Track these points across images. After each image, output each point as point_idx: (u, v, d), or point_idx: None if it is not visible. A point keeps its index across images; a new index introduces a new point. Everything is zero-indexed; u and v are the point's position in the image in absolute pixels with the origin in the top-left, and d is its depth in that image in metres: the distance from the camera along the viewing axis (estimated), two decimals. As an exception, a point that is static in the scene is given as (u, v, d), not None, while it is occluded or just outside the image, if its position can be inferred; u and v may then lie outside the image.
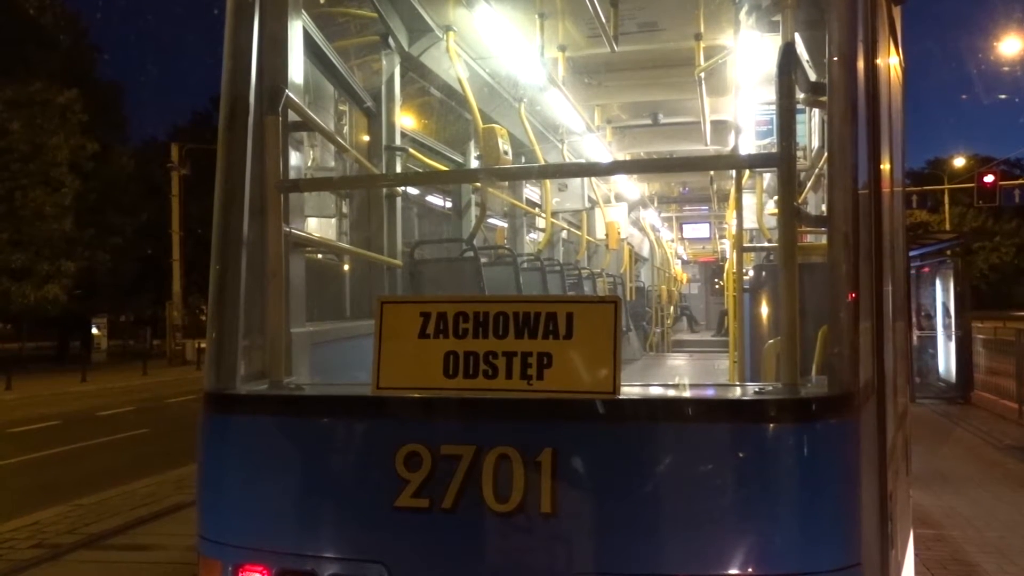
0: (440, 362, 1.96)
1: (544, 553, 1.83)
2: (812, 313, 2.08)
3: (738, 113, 5.16)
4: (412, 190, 4.86)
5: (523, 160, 5.45)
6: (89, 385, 21.76)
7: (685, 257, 13.04)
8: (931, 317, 13.63)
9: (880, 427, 2.07)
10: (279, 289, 2.30)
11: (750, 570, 1.76)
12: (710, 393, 2.65)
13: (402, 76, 3.95)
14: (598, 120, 6.34)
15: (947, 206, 56.27)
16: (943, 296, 13.32)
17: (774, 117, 2.79)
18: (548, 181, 5.88)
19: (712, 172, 8.10)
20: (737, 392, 2.58)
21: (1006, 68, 28.27)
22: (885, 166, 2.45)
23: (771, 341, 3.07)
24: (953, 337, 12.87)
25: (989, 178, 26.08)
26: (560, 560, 1.83)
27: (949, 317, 13.03)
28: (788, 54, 2.00)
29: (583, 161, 6.41)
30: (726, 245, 9.56)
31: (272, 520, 2.07)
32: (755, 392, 2.09)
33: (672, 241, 10.79)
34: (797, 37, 2.87)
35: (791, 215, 1.96)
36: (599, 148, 6.55)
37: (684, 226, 11.00)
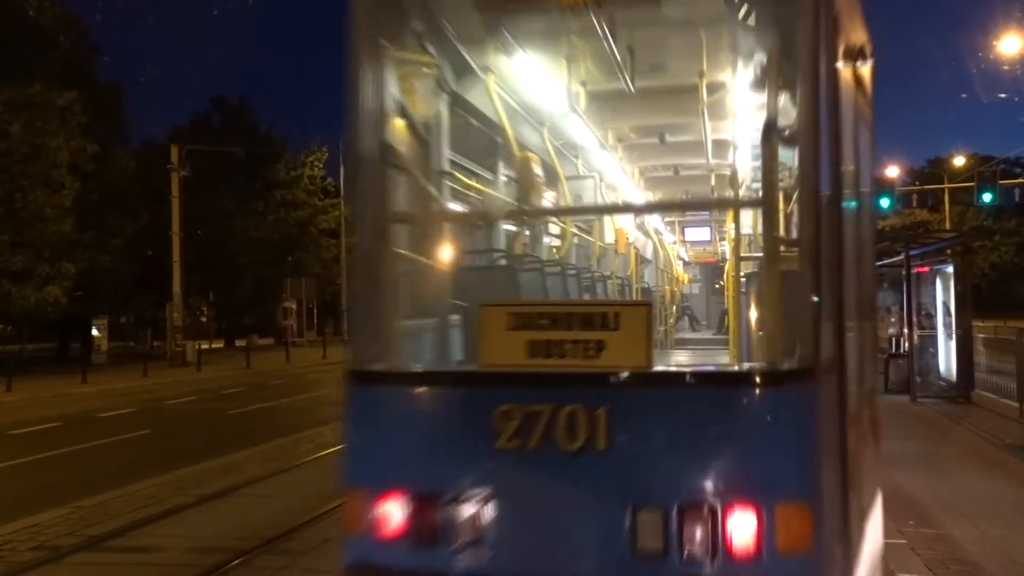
0: (525, 347, 2.66)
1: (601, 479, 2.48)
2: (794, 310, 2.60)
3: (736, 135, 5.73)
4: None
5: (544, 175, 5.51)
6: (90, 387, 21.75)
7: (686, 258, 13.43)
8: (932, 316, 13.63)
9: (841, 396, 2.63)
10: (388, 293, 3.03)
11: (735, 494, 2.39)
12: (714, 368, 3.61)
13: (449, 110, 4.33)
14: (611, 139, 6.70)
15: (947, 205, 56.24)
16: (944, 295, 13.31)
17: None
18: (568, 192, 6.18)
19: (713, 183, 8.42)
20: (734, 367, 3.42)
21: (1006, 67, 28.24)
22: (850, 203, 3.03)
23: (761, 333, 3.56)
24: (954, 336, 12.86)
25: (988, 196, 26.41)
26: (612, 483, 2.47)
27: (950, 316, 13.02)
28: (770, 126, 2.72)
29: (596, 176, 6.99)
30: (726, 247, 10.13)
31: (404, 461, 2.72)
32: (746, 367, 2.87)
33: (674, 243, 11.21)
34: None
35: (773, 243, 2.73)
36: (611, 162, 6.90)
37: (686, 229, 11.49)
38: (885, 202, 31.21)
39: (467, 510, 2.58)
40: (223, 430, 13.74)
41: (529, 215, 5.36)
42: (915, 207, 41.48)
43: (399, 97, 3.32)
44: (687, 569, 2.41)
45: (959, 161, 54.18)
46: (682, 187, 8.93)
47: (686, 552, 2.40)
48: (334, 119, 41.78)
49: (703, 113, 5.49)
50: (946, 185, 45.40)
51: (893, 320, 17.15)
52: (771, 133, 2.75)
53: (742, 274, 5.06)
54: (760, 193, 2.86)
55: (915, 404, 12.54)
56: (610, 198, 7.56)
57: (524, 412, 2.53)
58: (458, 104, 4.44)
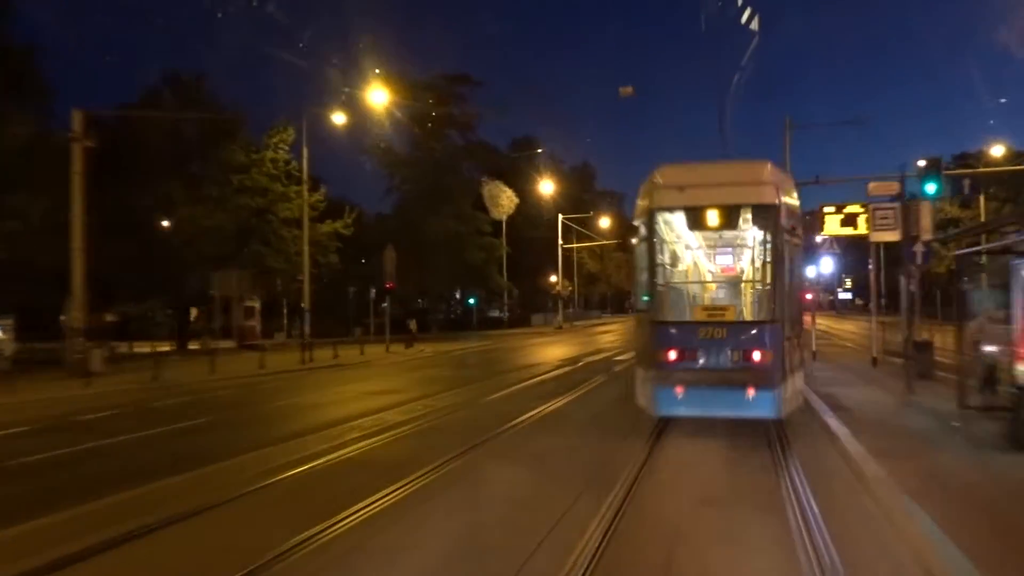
0: (706, 314, 11.41)
1: (725, 344, 10.69)
2: (770, 304, 10.95)
3: (752, 243, 13.05)
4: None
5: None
6: (-72, 406, 16.88)
7: (714, 269, 17.81)
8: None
9: (783, 328, 10.75)
10: (662, 300, 11.57)
11: (754, 347, 10.58)
12: (751, 319, 11.77)
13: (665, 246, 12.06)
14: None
15: (983, 200, 51.10)
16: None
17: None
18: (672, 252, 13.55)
19: (744, 245, 13.56)
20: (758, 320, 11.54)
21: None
22: (791, 275, 11.21)
23: (762, 311, 11.47)
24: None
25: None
26: (727, 345, 10.68)
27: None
28: (765, 257, 11.13)
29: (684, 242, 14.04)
30: (743, 266, 14.19)
31: (674, 340, 10.90)
32: (759, 318, 11.43)
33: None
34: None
35: (763, 287, 11.34)
36: (693, 240, 13.86)
37: (717, 257, 15.24)
38: (932, 187, 26.30)
39: (692, 352, 10.72)
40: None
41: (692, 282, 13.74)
42: (965, 192, 36.34)
43: (654, 236, 11.34)
44: (743, 363, 10.53)
45: (997, 151, 49.05)
46: (725, 242, 13.89)
47: (743, 359, 10.53)
48: (299, 101, 36.74)
49: (742, 239, 13.29)
50: (1003, 168, 40.02)
51: (989, 332, 12.03)
52: (764, 260, 11.19)
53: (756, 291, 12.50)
54: (762, 273, 11.39)
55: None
56: (678, 230, 12.77)
57: (706, 329, 10.81)
58: (662, 241, 11.79)
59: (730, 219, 11.49)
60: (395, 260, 34.12)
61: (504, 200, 61.86)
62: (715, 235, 12.84)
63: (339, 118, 37.39)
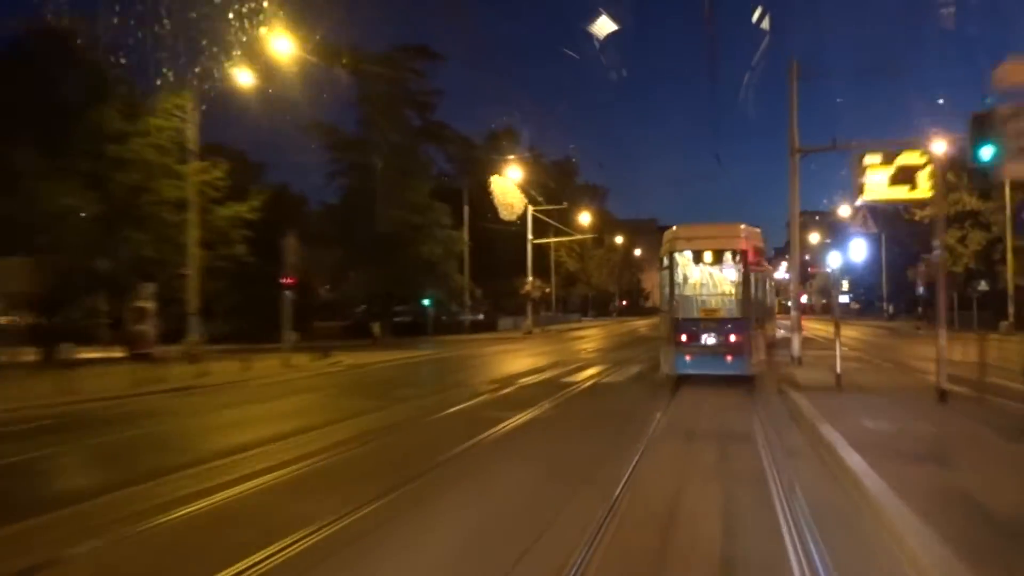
0: (706, 312, 18.61)
1: (717, 329, 18.10)
2: (744, 307, 18.34)
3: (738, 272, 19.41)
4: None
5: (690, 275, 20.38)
6: None
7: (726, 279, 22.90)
8: None
9: (751, 323, 18.07)
10: (677, 303, 18.69)
11: (734, 333, 17.87)
12: (735, 316, 18.34)
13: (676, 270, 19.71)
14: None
15: (1008, 188, 44.66)
16: None
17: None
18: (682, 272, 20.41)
19: (727, 271, 19.22)
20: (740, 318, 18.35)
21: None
22: (757, 291, 19.65)
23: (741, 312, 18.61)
24: None
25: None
26: (719, 331, 18.04)
27: None
28: (738, 282, 18.58)
29: (689, 262, 20.50)
30: (727, 283, 19.56)
31: (685, 329, 18.30)
32: (735, 317, 18.39)
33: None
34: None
35: (738, 298, 18.33)
36: (690, 262, 19.46)
37: (724, 270, 19.83)
38: (988, 152, 19.48)
39: (696, 336, 18.05)
40: None
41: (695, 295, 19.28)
42: (963, 194, 29.64)
43: (673, 266, 18.86)
44: (726, 342, 17.81)
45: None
46: (716, 270, 19.27)
47: (724, 341, 17.86)
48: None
49: (731, 266, 18.84)
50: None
51: None
52: (738, 281, 18.32)
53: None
54: (737, 289, 18.35)
55: None
56: (687, 263, 19.44)
57: (705, 322, 18.19)
58: (678, 269, 19.08)
59: (718, 257, 18.79)
60: (298, 249, 27.13)
61: (512, 199, 56.35)
62: (709, 266, 19.04)
63: (245, 77, 30.31)
